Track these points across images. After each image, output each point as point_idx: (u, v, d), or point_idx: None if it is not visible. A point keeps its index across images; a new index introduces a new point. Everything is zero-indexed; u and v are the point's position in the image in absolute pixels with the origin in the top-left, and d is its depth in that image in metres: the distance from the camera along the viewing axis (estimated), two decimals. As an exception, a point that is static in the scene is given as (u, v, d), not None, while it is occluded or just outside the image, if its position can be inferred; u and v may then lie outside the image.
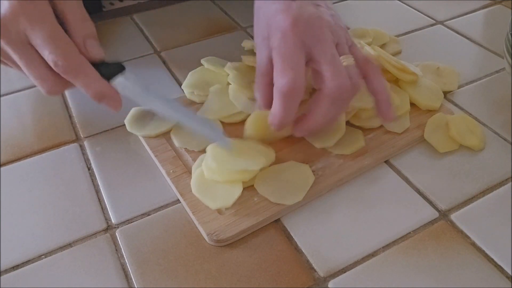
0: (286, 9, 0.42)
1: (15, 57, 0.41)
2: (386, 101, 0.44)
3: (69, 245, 0.40)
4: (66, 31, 0.41)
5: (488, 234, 0.40)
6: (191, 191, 0.42)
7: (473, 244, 0.40)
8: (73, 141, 0.50)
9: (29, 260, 0.39)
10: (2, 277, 0.38)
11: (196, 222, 0.41)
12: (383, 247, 0.40)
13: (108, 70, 0.43)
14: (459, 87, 0.56)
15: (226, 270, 0.38)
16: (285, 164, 0.45)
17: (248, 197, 0.42)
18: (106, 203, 0.43)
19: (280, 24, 0.42)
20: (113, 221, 0.42)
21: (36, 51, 0.40)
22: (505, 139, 0.49)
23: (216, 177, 0.42)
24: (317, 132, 0.46)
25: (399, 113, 0.50)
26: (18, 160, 0.48)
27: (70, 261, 0.39)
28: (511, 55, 0.49)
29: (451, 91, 0.55)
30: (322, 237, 0.40)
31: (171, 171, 0.45)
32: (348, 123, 0.48)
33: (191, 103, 0.52)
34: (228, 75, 0.53)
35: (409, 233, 0.41)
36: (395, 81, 0.53)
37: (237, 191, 0.41)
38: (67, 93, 0.56)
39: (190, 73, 0.55)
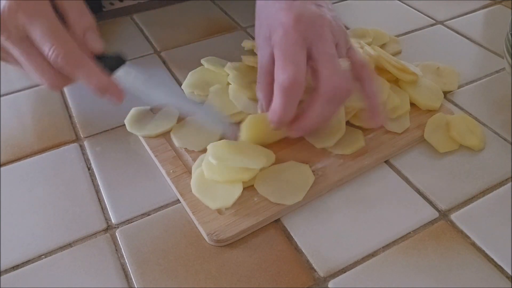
0: (288, 7, 0.43)
1: (15, 52, 0.40)
2: (377, 107, 0.45)
3: (69, 245, 0.40)
4: (65, 25, 0.41)
5: (488, 234, 0.40)
6: (191, 191, 0.42)
7: (473, 244, 0.40)
8: (73, 141, 0.50)
9: (29, 260, 0.39)
10: (2, 277, 0.38)
11: (196, 222, 0.41)
12: (383, 247, 0.40)
13: (109, 63, 0.43)
14: (459, 87, 0.56)
15: (226, 270, 0.38)
16: (285, 164, 0.45)
17: (248, 197, 0.42)
18: (106, 203, 0.43)
19: (282, 21, 0.42)
20: (113, 221, 0.42)
21: (35, 45, 0.40)
22: (505, 139, 0.49)
23: (216, 176, 0.42)
24: (311, 133, 0.46)
25: (399, 113, 0.50)
26: (18, 160, 0.48)
27: (70, 261, 0.39)
28: (511, 55, 0.49)
29: (451, 91, 0.55)
30: (322, 237, 0.40)
31: (171, 171, 0.45)
32: (348, 123, 0.48)
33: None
34: (228, 75, 0.53)
35: (409, 233, 0.41)
36: (395, 81, 0.53)
37: (237, 191, 0.41)
38: (67, 93, 0.56)
39: (190, 73, 0.55)
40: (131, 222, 0.42)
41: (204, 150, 0.44)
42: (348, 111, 0.48)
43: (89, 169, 0.47)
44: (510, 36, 0.49)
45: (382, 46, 0.61)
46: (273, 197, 0.42)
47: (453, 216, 0.42)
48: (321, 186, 0.43)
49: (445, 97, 0.54)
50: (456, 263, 0.38)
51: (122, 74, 0.43)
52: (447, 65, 0.58)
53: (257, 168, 0.42)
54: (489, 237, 0.40)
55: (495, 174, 0.46)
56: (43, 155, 0.48)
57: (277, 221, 0.42)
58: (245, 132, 0.45)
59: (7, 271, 0.38)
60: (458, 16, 0.70)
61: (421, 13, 0.70)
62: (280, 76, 0.41)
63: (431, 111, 0.51)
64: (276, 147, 0.46)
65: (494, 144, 0.49)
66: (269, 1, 0.45)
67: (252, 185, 0.43)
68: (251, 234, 0.41)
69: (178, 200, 0.43)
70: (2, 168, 0.47)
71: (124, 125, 0.50)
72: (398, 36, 0.65)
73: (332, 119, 0.45)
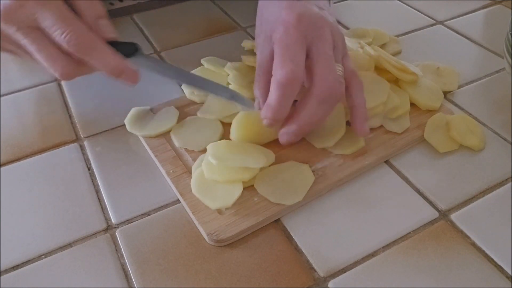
0: (290, 7, 0.43)
1: (26, 42, 0.40)
2: (362, 116, 0.45)
3: (69, 245, 0.40)
4: (76, 13, 0.41)
5: (488, 234, 0.40)
6: (191, 191, 0.42)
7: (473, 244, 0.40)
8: (73, 141, 0.50)
9: (29, 260, 0.39)
10: (2, 277, 0.38)
11: (196, 222, 0.41)
12: (383, 247, 0.40)
13: (123, 49, 0.43)
14: (459, 87, 0.56)
15: (226, 270, 0.38)
16: (285, 164, 0.45)
17: (248, 197, 0.42)
18: (106, 203, 0.43)
19: (283, 19, 0.42)
20: (113, 221, 0.42)
21: (46, 34, 0.40)
22: (505, 139, 0.49)
23: (216, 176, 0.42)
24: (306, 135, 0.46)
25: (399, 113, 0.50)
26: (18, 160, 0.48)
27: (70, 261, 0.39)
28: (511, 55, 0.49)
29: (451, 91, 0.55)
30: (322, 237, 0.40)
31: (171, 171, 0.45)
32: (348, 123, 0.48)
33: (191, 103, 0.52)
34: (228, 75, 0.53)
35: (409, 233, 0.41)
36: (395, 81, 0.53)
37: (237, 191, 0.41)
38: (67, 93, 0.56)
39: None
40: (131, 222, 0.42)
41: (204, 150, 0.44)
42: (348, 111, 0.48)
43: (89, 169, 0.47)
44: (510, 36, 0.49)
45: (382, 46, 0.61)
46: (273, 197, 0.42)
47: (453, 216, 0.42)
48: (321, 186, 0.43)
49: (445, 97, 0.54)
50: (456, 263, 0.38)
51: (137, 60, 0.44)
52: (447, 65, 0.58)
53: (257, 167, 0.42)
54: (489, 237, 0.40)
55: (495, 174, 0.46)
56: (43, 155, 0.48)
57: (277, 221, 0.42)
58: (235, 129, 0.45)
59: (7, 271, 0.38)
60: (458, 16, 0.70)
61: (421, 13, 0.70)
62: (278, 72, 0.41)
63: (431, 111, 0.51)
64: (276, 147, 0.46)
65: (494, 144, 0.49)
66: (272, 0, 0.45)
67: (252, 185, 0.43)
68: (251, 234, 0.41)
69: (178, 200, 0.43)
70: (2, 168, 0.47)
71: (124, 125, 0.50)
72: (398, 36, 0.65)
73: (325, 121, 0.45)
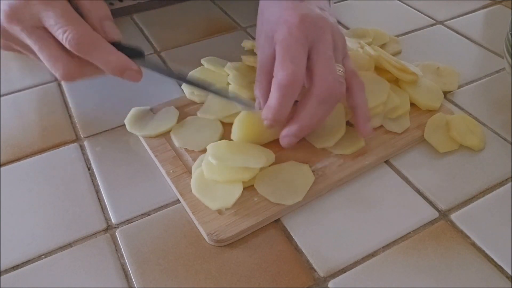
0: (294, 7, 0.43)
1: (30, 41, 0.41)
2: (364, 116, 0.44)
3: (69, 245, 0.40)
4: (81, 14, 0.41)
5: (488, 234, 0.40)
6: (191, 191, 0.42)
7: (473, 244, 0.40)
8: (73, 141, 0.50)
9: (29, 260, 0.39)
10: (2, 277, 0.38)
11: (196, 222, 0.41)
12: (383, 247, 0.40)
13: (126, 52, 0.43)
14: (459, 87, 0.56)
15: (226, 270, 0.38)
16: (285, 164, 0.45)
17: (248, 197, 0.42)
18: (106, 203, 0.43)
19: (286, 19, 0.42)
20: (113, 221, 0.42)
21: (50, 33, 0.40)
22: (505, 139, 0.49)
23: (216, 176, 0.42)
24: (307, 135, 0.46)
25: (399, 113, 0.50)
26: (18, 160, 0.48)
27: (70, 261, 0.39)
28: (511, 55, 0.49)
29: (451, 91, 0.55)
30: (322, 237, 0.40)
31: (171, 171, 0.45)
32: (348, 123, 0.48)
33: (191, 103, 0.52)
34: (228, 75, 0.53)
35: (409, 233, 0.41)
36: (395, 81, 0.53)
37: (237, 191, 0.41)
38: (67, 93, 0.56)
39: (190, 73, 0.55)
40: (131, 222, 0.42)
41: (204, 150, 0.44)
42: (348, 111, 0.48)
43: (89, 169, 0.47)
44: (510, 36, 0.49)
45: (382, 46, 0.62)
46: (273, 197, 0.42)
47: (453, 216, 0.42)
48: (321, 186, 0.43)
49: (445, 97, 0.54)
50: (456, 263, 0.38)
51: (140, 63, 0.44)
52: (447, 65, 0.58)
53: (257, 167, 0.42)
54: (489, 237, 0.40)
55: (495, 174, 0.46)
56: (43, 155, 0.48)
57: (277, 221, 0.42)
58: (237, 129, 0.45)
59: (7, 271, 0.38)
60: (458, 16, 0.70)
61: (421, 13, 0.70)
62: (279, 73, 0.41)
63: (431, 111, 0.51)
64: (276, 147, 0.46)
65: (494, 144, 0.49)
66: (274, 1, 0.45)
67: (252, 185, 0.43)
68: (251, 234, 0.41)
69: (178, 200, 0.43)
70: (2, 168, 0.47)
71: (124, 125, 0.50)
72: (398, 36, 0.65)
73: (325, 121, 0.45)
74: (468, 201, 0.43)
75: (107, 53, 0.41)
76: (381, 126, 0.49)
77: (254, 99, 0.48)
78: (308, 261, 0.39)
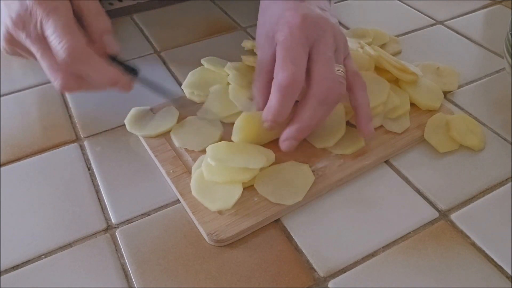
0: (295, 8, 0.43)
1: (33, 49, 0.41)
2: (366, 116, 0.44)
3: (69, 245, 0.40)
4: (83, 26, 0.42)
5: (488, 234, 0.40)
6: (191, 191, 0.42)
7: (473, 244, 0.40)
8: (73, 141, 0.50)
9: (29, 260, 0.39)
10: (2, 277, 0.38)
11: (196, 222, 0.41)
12: (383, 247, 0.40)
13: (122, 66, 0.44)
14: (459, 87, 0.56)
15: (226, 270, 0.38)
16: (285, 164, 0.45)
17: (248, 197, 0.42)
18: (106, 203, 0.43)
19: (288, 20, 0.42)
20: (113, 221, 0.42)
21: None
22: (505, 139, 0.49)
23: (216, 178, 0.42)
24: (303, 139, 0.46)
25: (399, 113, 0.50)
26: (18, 160, 0.48)
27: (70, 261, 0.39)
28: (511, 55, 0.49)
29: (451, 91, 0.55)
30: (322, 237, 0.40)
31: (171, 171, 0.45)
32: (348, 123, 0.48)
33: (191, 103, 0.52)
34: (228, 75, 0.53)
35: (409, 233, 0.41)
36: (395, 81, 0.53)
37: (237, 192, 0.41)
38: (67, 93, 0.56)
39: (190, 73, 0.55)
40: (131, 222, 0.42)
41: (204, 150, 0.44)
42: (348, 111, 0.48)
43: (89, 169, 0.47)
44: (510, 36, 0.49)
45: (382, 46, 0.62)
46: (273, 197, 0.42)
47: (453, 216, 0.42)
48: (321, 186, 0.43)
49: (445, 97, 0.54)
50: (456, 263, 0.38)
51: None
52: (447, 65, 0.58)
53: (257, 167, 0.42)
54: (489, 237, 0.40)
55: (495, 174, 0.46)
56: (43, 155, 0.48)
57: (277, 221, 0.42)
58: (238, 130, 0.45)
59: (7, 271, 0.38)
60: (458, 16, 0.70)
61: (421, 13, 0.70)
62: (280, 75, 0.41)
63: (431, 111, 0.51)
64: (276, 147, 0.45)
65: (494, 144, 0.49)
66: (275, 1, 0.45)
67: (252, 185, 0.43)
68: (251, 234, 0.41)
69: (178, 200, 0.43)
70: (2, 168, 0.47)
71: (124, 125, 0.50)
72: (398, 36, 0.65)
73: (325, 121, 0.45)
74: (468, 201, 0.43)
75: (99, 67, 0.42)
76: (381, 126, 0.49)
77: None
78: (308, 261, 0.39)
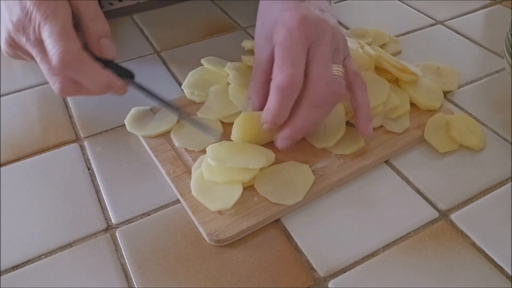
0: (294, 8, 0.43)
1: (33, 53, 0.41)
2: (366, 117, 0.44)
3: (69, 245, 0.40)
4: (82, 29, 0.42)
5: (488, 234, 0.40)
6: (191, 191, 0.42)
7: (473, 244, 0.40)
8: (73, 141, 0.50)
9: (29, 260, 0.39)
10: (2, 277, 0.38)
11: (196, 222, 0.41)
12: (383, 247, 0.40)
13: (117, 71, 0.43)
14: (459, 87, 0.56)
15: (226, 270, 0.38)
16: (285, 164, 0.45)
17: (248, 197, 0.42)
18: (106, 203, 0.43)
19: (286, 21, 0.42)
20: (113, 221, 0.42)
21: None
22: (505, 139, 0.49)
23: (216, 178, 0.42)
24: (302, 138, 0.46)
25: (399, 113, 0.50)
26: (18, 160, 0.48)
27: (70, 261, 0.39)
28: (511, 55, 0.49)
29: (451, 91, 0.55)
30: (322, 237, 0.40)
31: (171, 171, 0.45)
32: (348, 123, 0.48)
33: (191, 103, 0.52)
34: (228, 75, 0.53)
35: (409, 233, 0.41)
36: (395, 81, 0.53)
37: (237, 192, 0.41)
38: (67, 93, 0.56)
39: (190, 73, 0.55)
40: (131, 222, 0.42)
41: (204, 150, 0.44)
42: (348, 111, 0.48)
43: (89, 169, 0.47)
44: (510, 36, 0.49)
45: (382, 46, 0.62)
46: (273, 197, 0.42)
47: (453, 216, 0.42)
48: (321, 186, 0.43)
49: (445, 97, 0.54)
50: (456, 263, 0.38)
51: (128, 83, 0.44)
52: (447, 65, 0.58)
53: (257, 167, 0.42)
54: (489, 237, 0.40)
55: (495, 174, 0.46)
56: (43, 155, 0.48)
57: (277, 221, 0.42)
58: (237, 130, 0.45)
59: (7, 271, 0.38)
60: (458, 16, 0.70)
61: (421, 13, 0.70)
62: (278, 76, 0.41)
63: (431, 111, 0.51)
64: (276, 147, 0.45)
65: (494, 144, 0.49)
66: (274, 1, 0.45)
67: (252, 185, 0.43)
68: (251, 234, 0.41)
69: (178, 200, 0.43)
70: (2, 168, 0.47)
71: (124, 125, 0.50)
72: (398, 36, 0.65)
73: (325, 121, 0.45)
74: (468, 201, 0.43)
75: (91, 72, 0.41)
76: (381, 126, 0.49)
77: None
78: (308, 261, 0.39)
